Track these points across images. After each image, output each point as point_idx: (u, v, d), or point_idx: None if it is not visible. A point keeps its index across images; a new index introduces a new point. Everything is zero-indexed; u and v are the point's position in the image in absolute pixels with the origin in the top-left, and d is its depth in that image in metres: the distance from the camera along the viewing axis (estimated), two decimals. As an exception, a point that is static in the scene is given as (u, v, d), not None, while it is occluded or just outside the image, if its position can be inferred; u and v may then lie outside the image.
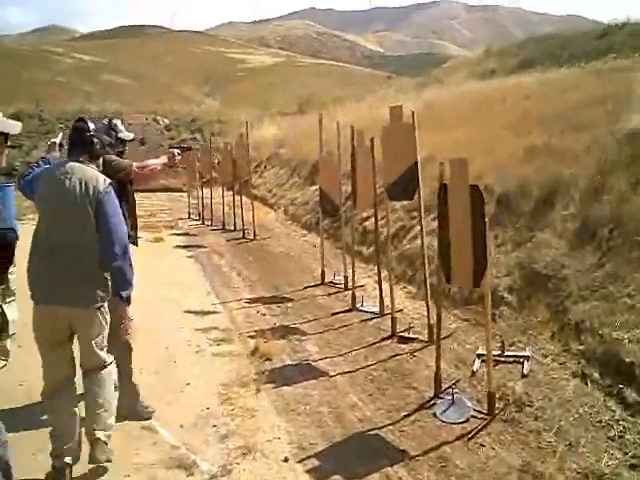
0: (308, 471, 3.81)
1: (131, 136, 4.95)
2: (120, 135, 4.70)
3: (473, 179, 4.50)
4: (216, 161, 16.19)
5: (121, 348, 4.22)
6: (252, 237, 12.15)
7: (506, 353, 5.14)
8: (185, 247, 11.62)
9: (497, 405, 4.37)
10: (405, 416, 4.43)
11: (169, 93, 58.01)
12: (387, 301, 6.66)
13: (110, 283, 3.64)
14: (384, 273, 7.11)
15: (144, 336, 6.05)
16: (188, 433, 4.28)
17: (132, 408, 4.40)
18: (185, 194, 18.11)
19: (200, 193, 15.75)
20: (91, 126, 3.78)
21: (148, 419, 4.43)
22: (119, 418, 3.95)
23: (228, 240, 12.33)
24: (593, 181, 6.47)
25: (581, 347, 4.90)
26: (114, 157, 4.41)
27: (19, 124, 3.18)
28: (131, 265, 3.70)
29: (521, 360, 5.04)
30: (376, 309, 6.92)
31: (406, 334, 6.08)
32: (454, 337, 5.84)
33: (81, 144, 3.71)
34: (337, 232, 9.68)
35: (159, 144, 22.92)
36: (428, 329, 5.89)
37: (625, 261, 5.35)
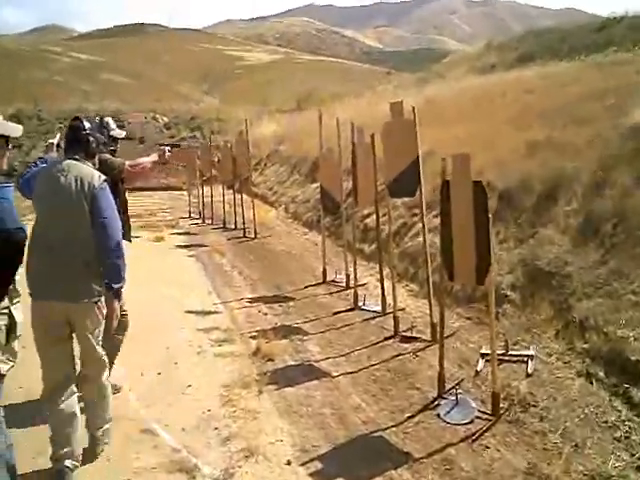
0: (311, 474, 3.77)
1: (123, 134, 5.03)
2: (112, 133, 4.77)
3: (474, 175, 4.44)
4: (216, 159, 16.13)
5: (111, 345, 4.27)
6: (253, 236, 12.10)
7: (510, 352, 5.10)
8: (186, 246, 11.56)
9: (502, 405, 4.32)
10: (409, 417, 4.38)
11: (168, 91, 57.93)
12: (389, 300, 6.61)
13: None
14: (386, 271, 7.06)
15: (145, 336, 6.04)
16: (189, 436, 4.23)
17: None
18: (185, 193, 18.05)
19: (200, 192, 15.69)
20: (87, 125, 3.84)
21: None
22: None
23: (229, 239, 12.28)
24: (596, 176, 6.41)
25: (586, 345, 4.85)
26: (107, 155, 4.49)
27: (20, 127, 3.18)
28: (124, 259, 3.74)
29: (525, 359, 4.99)
30: (378, 308, 6.87)
31: (409, 333, 6.03)
32: (457, 336, 5.79)
33: (77, 142, 3.79)
34: (338, 230, 9.63)
35: (159, 142, 22.88)
36: (431, 328, 5.84)
37: (629, 257, 5.30)
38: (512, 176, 7.23)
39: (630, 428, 3.92)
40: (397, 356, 5.54)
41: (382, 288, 6.87)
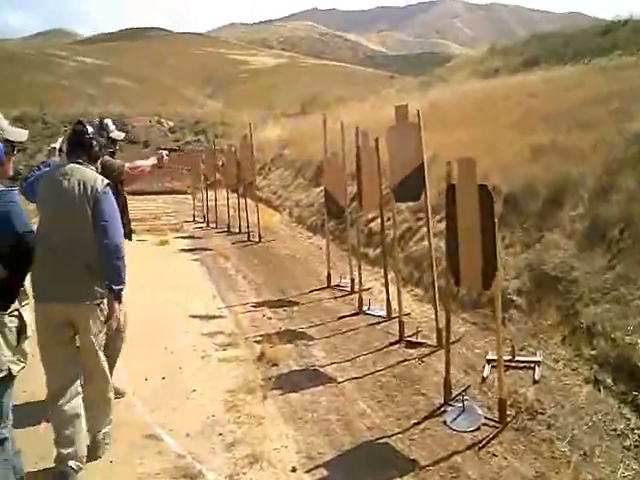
0: (316, 482, 3.74)
1: (122, 136, 5.13)
2: (111, 135, 4.84)
3: (479, 179, 4.41)
4: (220, 163, 16.14)
5: (112, 348, 4.29)
6: (257, 239, 12.09)
7: (517, 358, 5.06)
8: (190, 250, 11.57)
9: (509, 412, 4.28)
10: (415, 424, 4.35)
11: (172, 95, 57.96)
12: (394, 304, 6.58)
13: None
14: (391, 275, 7.03)
15: (149, 340, 6.05)
16: (194, 441, 4.21)
17: None
18: (190, 197, 18.06)
19: (205, 195, 15.69)
20: (90, 129, 3.90)
21: None
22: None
23: (233, 243, 12.27)
24: (601, 180, 6.38)
25: (593, 352, 4.80)
26: (107, 157, 4.55)
27: (25, 132, 3.25)
28: (124, 262, 3.77)
29: (532, 365, 4.95)
30: (383, 312, 6.84)
31: (414, 338, 6.00)
32: (463, 341, 5.75)
33: (80, 146, 3.84)
34: (343, 234, 9.60)
35: (157, 147, 22.92)
36: (436, 333, 5.81)
37: (636, 262, 5.26)
38: (517, 180, 7.20)
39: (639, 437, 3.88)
40: (402, 361, 5.51)
41: (387, 293, 6.84)
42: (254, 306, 7.55)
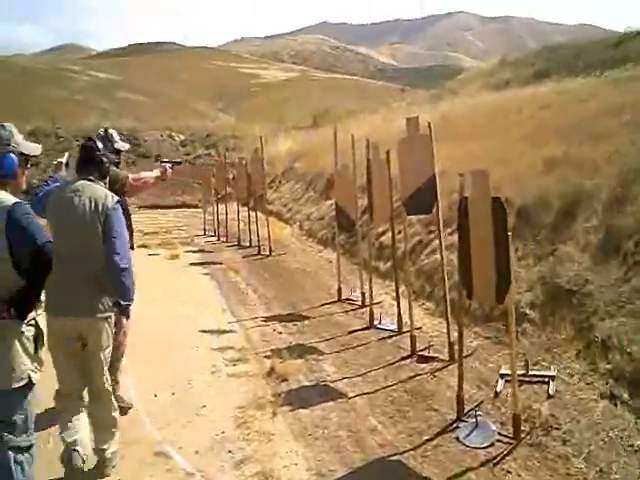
0: (327, 500, 3.67)
1: (127, 146, 5.22)
2: (116, 145, 4.91)
3: (491, 191, 4.37)
4: (231, 176, 16.15)
5: (115, 358, 4.27)
6: (268, 253, 12.06)
7: (530, 373, 4.97)
8: (201, 264, 11.55)
9: (523, 428, 4.20)
10: (427, 440, 4.28)
11: (184, 109, 58.42)
12: (405, 318, 6.52)
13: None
14: (402, 289, 6.98)
15: (159, 355, 6.02)
16: (203, 459, 4.16)
17: None
18: (200, 210, 18.10)
19: (215, 209, 15.72)
20: (100, 145, 3.98)
21: None
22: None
23: (244, 256, 12.25)
24: (615, 192, 6.30)
25: (609, 366, 4.71)
26: (112, 168, 4.55)
27: (39, 146, 3.32)
28: (132, 277, 3.79)
29: (546, 380, 4.86)
30: (394, 327, 6.78)
31: (426, 353, 5.92)
32: (475, 356, 5.67)
33: (91, 163, 3.90)
34: (353, 247, 9.56)
35: (161, 160, 23.09)
36: (448, 347, 5.73)
37: (652, 275, 5.17)
38: (529, 193, 7.13)
39: (657, 453, 3.79)
40: (414, 376, 5.44)
41: (398, 306, 6.78)
42: (264, 320, 7.51)
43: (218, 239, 15.01)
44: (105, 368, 3.84)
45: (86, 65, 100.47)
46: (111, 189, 4.00)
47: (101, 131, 4.91)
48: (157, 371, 5.67)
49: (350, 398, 5.06)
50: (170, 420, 4.71)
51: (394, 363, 5.82)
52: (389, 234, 7.62)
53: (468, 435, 4.25)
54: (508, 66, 23.08)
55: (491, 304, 5.80)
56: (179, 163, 6.30)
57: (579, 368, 4.95)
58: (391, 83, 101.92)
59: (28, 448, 3.06)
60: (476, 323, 6.30)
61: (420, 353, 5.95)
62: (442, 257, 6.07)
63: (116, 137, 4.94)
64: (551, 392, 4.69)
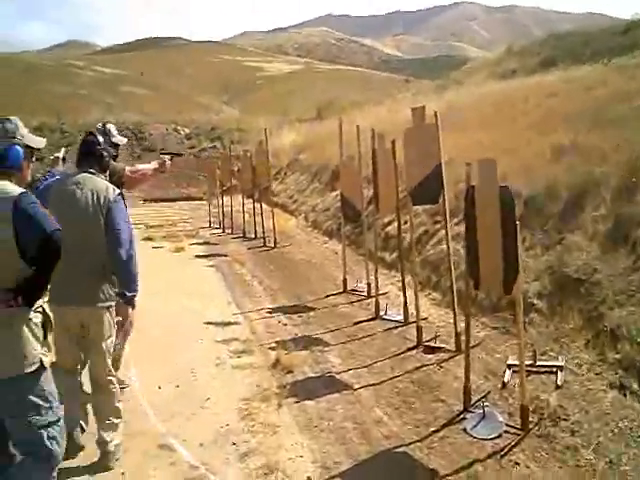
0: (332, 492, 3.63)
1: (124, 141, 5.27)
2: (114, 139, 4.93)
3: (498, 181, 4.29)
4: (236, 169, 16.10)
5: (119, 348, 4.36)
6: (273, 245, 12.02)
7: (538, 363, 4.91)
8: (206, 256, 11.51)
9: (531, 419, 4.14)
10: (433, 432, 4.22)
11: (188, 103, 58.39)
12: (411, 309, 6.47)
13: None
14: (408, 279, 6.92)
15: (164, 348, 5.99)
16: (207, 451, 4.12)
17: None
18: (205, 203, 18.07)
19: (220, 201, 15.67)
20: (100, 139, 4.04)
21: None
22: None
23: (249, 248, 12.21)
24: (624, 180, 6.21)
25: (618, 356, 4.64)
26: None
27: (44, 140, 3.36)
28: (136, 268, 3.87)
29: (554, 370, 4.80)
30: (400, 317, 6.72)
31: (432, 343, 5.87)
32: (482, 346, 5.61)
33: (92, 156, 3.97)
34: (359, 238, 9.50)
35: (160, 151, 23.14)
36: (455, 338, 5.68)
37: (662, 264, 5.09)
38: (537, 182, 7.04)
39: (668, 443, 3.73)
40: (421, 367, 5.39)
41: (404, 297, 6.72)
42: (269, 312, 7.46)
43: (223, 231, 14.98)
44: (108, 360, 3.86)
45: (91, 60, 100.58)
46: (109, 181, 4.02)
47: (99, 126, 4.93)
48: (161, 363, 5.63)
49: (356, 389, 5.02)
50: (174, 412, 4.67)
51: (400, 354, 5.77)
52: (395, 224, 7.54)
53: (475, 426, 4.20)
54: (514, 55, 22.92)
55: (498, 294, 5.74)
56: (179, 155, 6.26)
57: (588, 358, 4.88)
58: (396, 74, 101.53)
59: (57, 421, 3.16)
60: (483, 313, 6.23)
61: (426, 344, 5.90)
62: (448, 247, 6.00)
63: (114, 131, 4.97)
64: (559, 382, 4.63)
